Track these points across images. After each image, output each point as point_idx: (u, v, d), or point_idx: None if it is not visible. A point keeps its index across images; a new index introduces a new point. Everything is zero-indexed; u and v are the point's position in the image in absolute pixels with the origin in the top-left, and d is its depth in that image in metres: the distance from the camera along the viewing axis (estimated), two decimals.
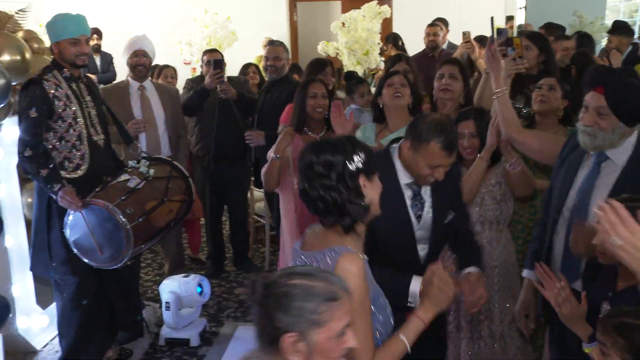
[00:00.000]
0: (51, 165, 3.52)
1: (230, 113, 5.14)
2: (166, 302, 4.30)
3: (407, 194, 2.58)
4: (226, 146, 5.22)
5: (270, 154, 3.61)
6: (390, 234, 2.54)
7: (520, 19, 9.58)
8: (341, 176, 1.97)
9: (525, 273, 2.86)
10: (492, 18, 3.51)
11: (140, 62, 4.80)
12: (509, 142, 3.04)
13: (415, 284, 2.39)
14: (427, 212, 2.60)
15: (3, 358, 3.89)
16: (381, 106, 3.59)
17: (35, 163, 3.50)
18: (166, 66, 6.09)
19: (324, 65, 4.82)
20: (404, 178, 2.57)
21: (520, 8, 9.83)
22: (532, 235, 3.05)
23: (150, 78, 5.12)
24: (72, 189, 3.52)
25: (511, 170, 3.08)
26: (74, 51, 3.66)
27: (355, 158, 1.99)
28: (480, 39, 6.81)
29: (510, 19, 8.80)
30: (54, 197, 3.51)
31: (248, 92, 5.37)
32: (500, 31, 4.13)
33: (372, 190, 2.04)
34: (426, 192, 2.61)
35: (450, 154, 2.46)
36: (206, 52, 5.45)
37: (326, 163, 1.98)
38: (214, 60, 5.03)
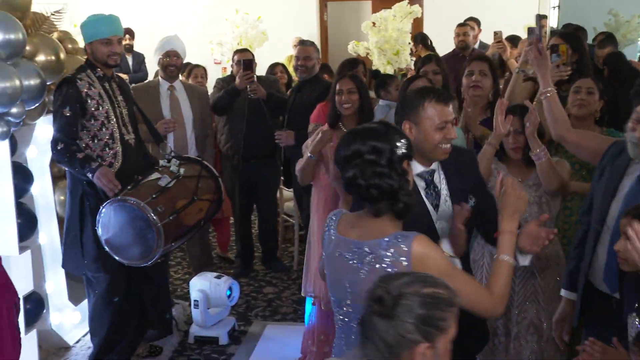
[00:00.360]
0: (85, 152, 3.58)
1: (260, 113, 5.16)
2: (195, 300, 4.33)
3: (421, 184, 2.46)
4: (255, 146, 5.24)
5: (306, 151, 3.64)
6: (411, 227, 2.50)
7: (553, 19, 9.45)
8: (391, 162, 1.99)
9: (564, 293, 2.84)
10: (537, 16, 3.45)
11: (172, 63, 4.85)
12: (534, 132, 2.98)
13: (446, 246, 2.40)
14: (445, 201, 2.50)
15: (37, 353, 3.96)
16: None
17: (69, 151, 3.54)
18: (196, 66, 6.13)
19: (355, 64, 4.82)
20: (414, 168, 2.43)
21: (554, 7, 9.70)
22: (569, 254, 2.97)
23: (180, 77, 5.17)
24: (109, 169, 3.56)
25: (536, 160, 3.03)
26: (105, 51, 3.70)
27: (399, 143, 2.01)
28: (512, 39, 6.77)
29: (542, 18, 8.70)
30: (89, 175, 3.53)
31: (278, 91, 5.38)
32: (531, 30, 4.08)
33: (410, 175, 2.08)
34: (441, 182, 2.50)
35: (447, 105, 2.38)
36: (237, 51, 5.47)
37: (375, 149, 1.98)
38: (244, 60, 5.06)
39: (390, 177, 1.98)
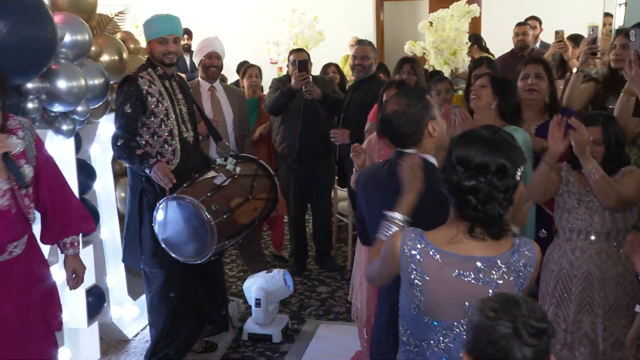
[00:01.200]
0: (146, 148, 3.67)
1: (315, 113, 5.17)
2: (257, 299, 4.35)
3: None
4: (311, 146, 5.25)
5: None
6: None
7: (619, 17, 9.18)
8: (508, 189, 1.89)
9: (638, 309, 2.73)
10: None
11: (214, 64, 4.88)
12: (583, 150, 2.86)
13: None
14: None
15: (99, 344, 4.07)
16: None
17: (129, 147, 3.61)
18: (251, 65, 6.18)
19: (403, 62, 4.79)
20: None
21: (620, 5, 9.40)
22: None
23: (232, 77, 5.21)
24: (166, 164, 3.62)
25: (589, 177, 2.90)
26: (161, 49, 3.76)
27: (519, 168, 1.91)
28: (574, 38, 6.59)
29: (608, 16, 8.45)
30: (147, 172, 3.60)
31: (333, 91, 5.37)
32: (592, 30, 3.98)
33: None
34: None
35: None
36: (292, 51, 5.49)
37: (502, 170, 1.87)
38: (299, 61, 5.07)
39: (501, 205, 1.89)
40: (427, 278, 1.96)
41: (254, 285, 4.39)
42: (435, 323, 2.00)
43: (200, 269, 3.93)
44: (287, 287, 4.40)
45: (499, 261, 1.92)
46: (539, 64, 3.70)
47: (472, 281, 1.92)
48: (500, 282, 1.92)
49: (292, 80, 5.07)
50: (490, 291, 1.90)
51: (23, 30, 2.88)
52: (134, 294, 4.45)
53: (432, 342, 2.02)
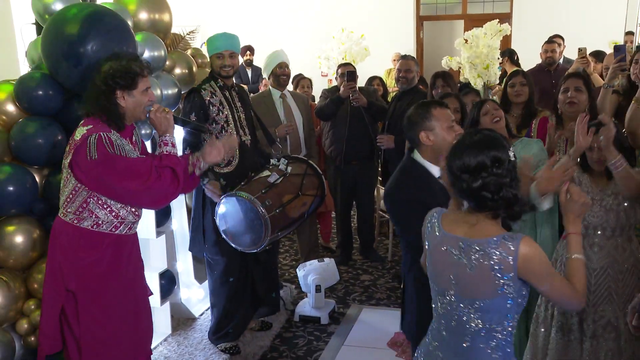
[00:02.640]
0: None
1: (361, 120, 5.15)
2: (317, 285, 4.37)
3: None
4: (356, 149, 5.22)
5: None
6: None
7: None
8: (510, 171, 1.92)
9: None
10: None
11: (285, 72, 4.93)
12: (609, 145, 2.74)
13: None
14: None
15: (170, 322, 4.13)
16: None
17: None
18: (303, 77, 6.23)
19: (436, 77, 4.67)
20: (435, 173, 2.55)
21: None
22: None
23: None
24: (217, 182, 3.68)
25: (614, 169, 2.78)
26: (218, 63, 3.80)
27: (511, 150, 1.94)
28: (597, 54, 6.42)
29: (629, 34, 8.20)
30: (203, 184, 3.66)
31: (376, 100, 5.35)
32: (617, 48, 3.85)
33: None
34: None
35: (448, 108, 2.59)
36: (340, 65, 5.47)
37: (496, 160, 1.90)
38: (348, 72, 5.06)
39: (512, 187, 1.91)
40: (427, 247, 2.09)
41: (311, 273, 4.40)
42: (436, 289, 2.08)
43: (256, 257, 3.94)
44: (337, 274, 4.40)
45: (476, 245, 1.92)
46: (579, 79, 3.58)
47: (456, 257, 1.97)
48: (476, 263, 1.92)
49: (341, 90, 5.06)
50: (468, 270, 1.93)
51: (111, 47, 2.95)
52: (199, 278, 4.50)
53: (435, 304, 2.11)
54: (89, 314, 2.73)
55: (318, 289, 4.36)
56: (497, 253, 1.89)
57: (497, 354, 1.96)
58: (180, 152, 3.83)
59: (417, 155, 2.60)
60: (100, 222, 2.71)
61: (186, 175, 2.77)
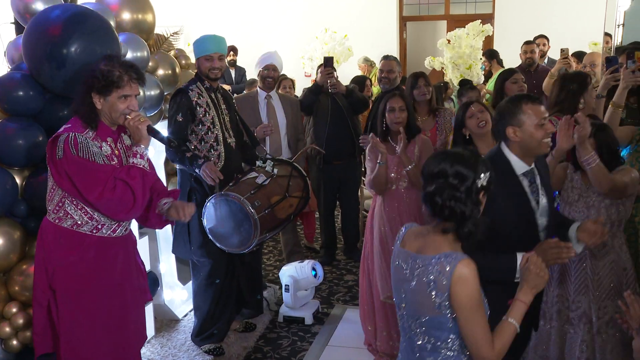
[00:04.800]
0: (194, 151, 3.68)
1: (342, 118, 5.14)
2: (285, 285, 4.36)
3: (525, 183, 2.49)
4: (337, 147, 5.21)
5: (371, 164, 3.59)
6: (513, 225, 2.42)
7: (617, 36, 9.00)
8: (469, 190, 1.93)
9: None
10: None
11: (270, 75, 4.91)
12: (583, 142, 2.82)
13: (572, 228, 2.48)
14: (542, 197, 2.51)
15: (153, 322, 4.11)
16: (467, 136, 3.42)
17: (180, 152, 3.63)
18: (285, 78, 6.20)
19: (417, 77, 4.70)
20: (519, 169, 2.48)
21: (618, 26, 9.22)
22: None
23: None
24: (213, 164, 3.64)
25: (586, 166, 2.85)
26: (207, 65, 3.78)
27: (482, 175, 1.95)
28: (578, 55, 6.53)
29: (607, 36, 8.31)
30: (197, 171, 3.60)
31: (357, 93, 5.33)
32: (610, 59, 3.88)
33: (483, 206, 2.02)
34: (537, 179, 2.52)
35: (541, 104, 2.46)
36: (321, 65, 5.46)
37: (459, 174, 1.93)
38: (325, 58, 5.03)
39: (465, 204, 1.93)
40: (389, 261, 2.16)
41: (286, 273, 4.40)
42: (396, 302, 2.11)
43: (242, 259, 3.94)
44: (314, 277, 4.39)
45: (419, 260, 1.96)
46: None
47: (405, 273, 2.00)
48: (417, 279, 1.95)
49: (318, 76, 5.02)
50: (413, 284, 1.96)
51: (94, 48, 2.95)
52: (183, 279, 4.49)
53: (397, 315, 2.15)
54: (69, 314, 2.72)
55: (287, 288, 4.36)
56: (434, 271, 1.91)
57: None
58: (163, 152, 3.84)
59: (504, 148, 2.51)
60: (78, 222, 2.70)
61: (145, 192, 2.70)
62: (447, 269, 1.88)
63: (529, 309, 2.03)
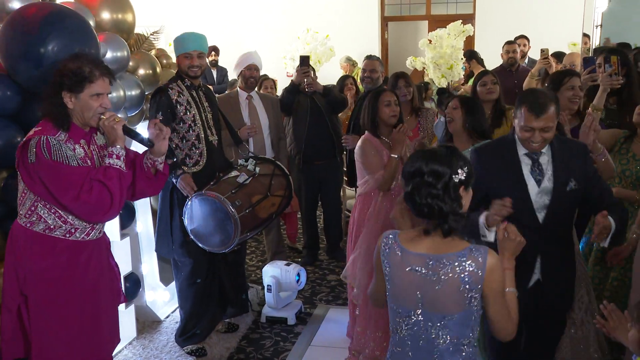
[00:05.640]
0: (174, 159, 3.65)
1: (321, 118, 5.14)
2: (268, 285, 4.36)
3: (525, 161, 2.69)
4: (317, 148, 5.21)
5: (389, 156, 3.56)
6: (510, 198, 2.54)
7: (595, 37, 9.12)
8: (446, 186, 1.96)
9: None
10: None
11: (252, 75, 4.89)
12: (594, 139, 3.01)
13: (482, 217, 2.54)
14: (549, 179, 2.67)
15: (135, 325, 4.08)
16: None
17: None
18: (266, 78, 6.18)
19: (397, 78, 4.70)
20: (522, 149, 2.69)
21: (596, 27, 9.34)
22: None
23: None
24: (189, 176, 3.64)
25: (597, 159, 3.05)
26: (187, 63, 3.76)
27: (459, 170, 1.98)
28: (558, 55, 6.60)
29: (585, 36, 8.42)
30: (174, 181, 3.62)
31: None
32: (587, 59, 3.92)
33: (466, 200, 2.04)
34: (548, 163, 2.68)
35: (537, 118, 2.55)
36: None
37: (434, 172, 1.96)
38: (301, 56, 5.01)
39: (443, 200, 1.96)
40: (388, 269, 2.08)
41: (269, 272, 4.39)
42: (399, 311, 2.08)
43: (224, 258, 3.93)
44: (296, 283, 4.38)
45: (444, 259, 1.97)
46: (578, 77, 3.71)
47: (423, 275, 2.00)
48: (444, 277, 1.96)
49: (294, 75, 5.01)
50: (437, 287, 1.97)
51: (72, 47, 2.91)
52: (165, 280, 4.46)
53: (397, 328, 2.11)
54: (41, 319, 2.67)
55: (269, 288, 4.35)
56: (467, 265, 1.94)
57: None
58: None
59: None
60: (51, 226, 2.65)
61: (122, 193, 2.66)
62: (480, 260, 1.94)
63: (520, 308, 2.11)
